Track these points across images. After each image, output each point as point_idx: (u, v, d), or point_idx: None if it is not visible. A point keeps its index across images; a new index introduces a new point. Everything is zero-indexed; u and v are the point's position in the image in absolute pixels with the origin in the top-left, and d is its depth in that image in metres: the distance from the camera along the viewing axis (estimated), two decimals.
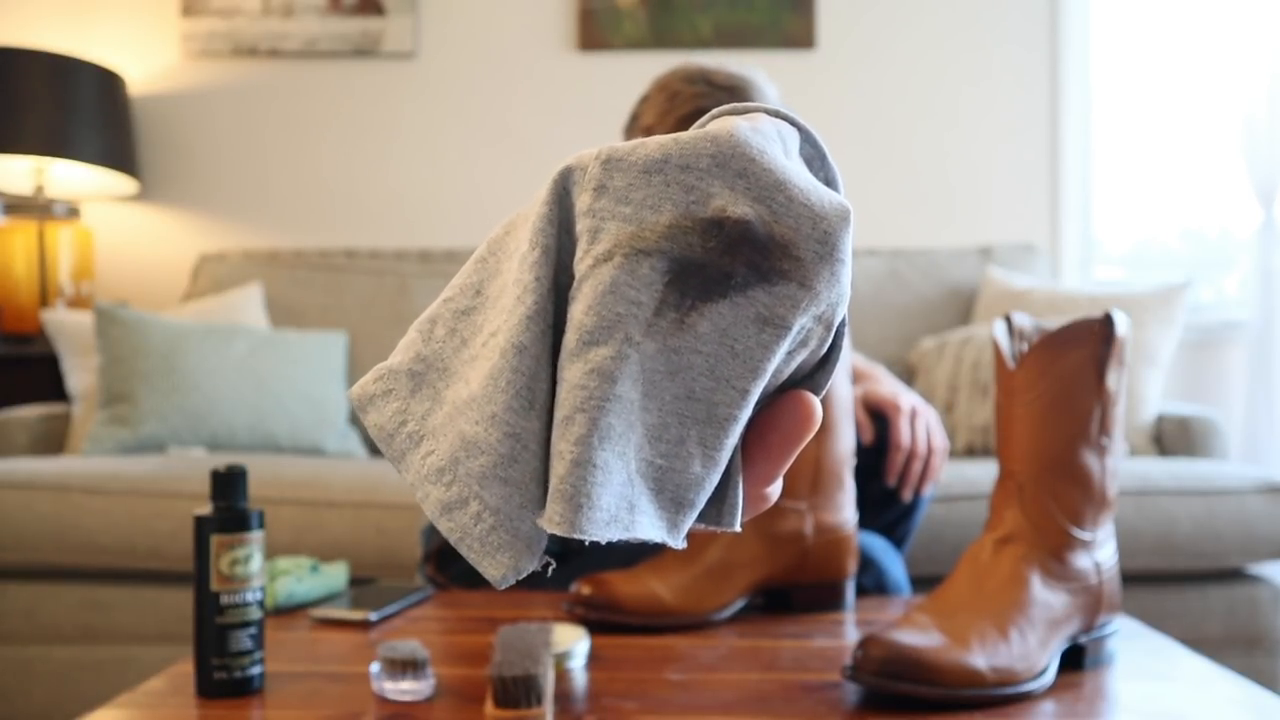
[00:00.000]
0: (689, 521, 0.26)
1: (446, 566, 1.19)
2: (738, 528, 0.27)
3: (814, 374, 0.28)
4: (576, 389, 0.24)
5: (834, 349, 0.28)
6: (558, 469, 0.24)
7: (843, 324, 0.28)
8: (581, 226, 0.25)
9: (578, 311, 0.24)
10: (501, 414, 0.25)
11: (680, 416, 0.25)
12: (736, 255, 0.25)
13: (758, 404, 0.27)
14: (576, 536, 0.23)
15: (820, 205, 0.25)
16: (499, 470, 0.25)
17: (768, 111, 0.27)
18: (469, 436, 0.26)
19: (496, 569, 0.25)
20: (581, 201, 0.25)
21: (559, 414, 0.24)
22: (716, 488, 0.27)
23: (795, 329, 0.25)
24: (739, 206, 0.24)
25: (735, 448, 0.26)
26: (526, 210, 0.27)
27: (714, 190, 0.24)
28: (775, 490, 0.28)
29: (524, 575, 0.26)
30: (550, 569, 0.28)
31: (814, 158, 0.28)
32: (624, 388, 0.24)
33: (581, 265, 0.25)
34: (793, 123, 0.27)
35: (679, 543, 0.26)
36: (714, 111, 0.28)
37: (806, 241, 0.25)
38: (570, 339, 0.24)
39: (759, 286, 0.25)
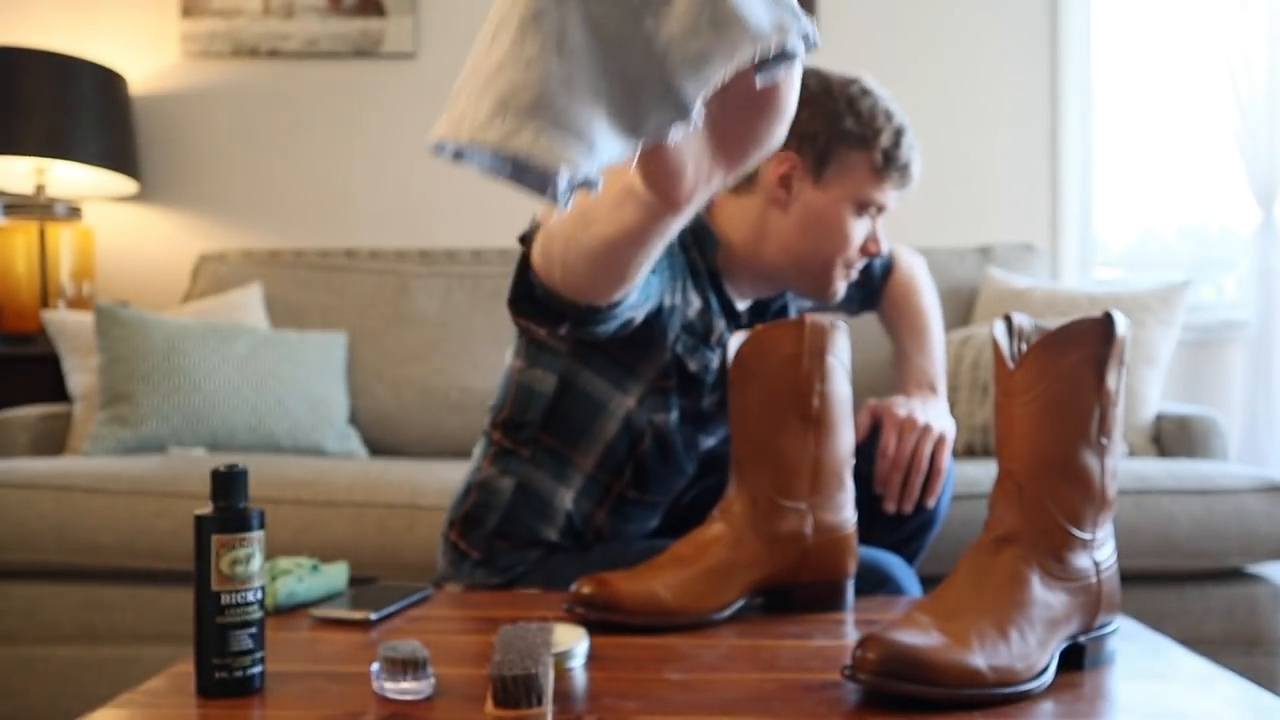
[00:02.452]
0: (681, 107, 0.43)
1: (469, 532, 1.17)
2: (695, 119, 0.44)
3: (772, 64, 0.43)
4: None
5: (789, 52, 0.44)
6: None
7: (809, 38, 0.45)
8: None
9: None
10: (536, 58, 0.40)
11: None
12: None
13: (724, 89, 0.45)
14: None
15: None
16: (545, 99, 0.40)
17: None
18: (515, 83, 0.41)
19: (556, 163, 0.39)
20: None
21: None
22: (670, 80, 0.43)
23: None
24: None
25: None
26: None
27: None
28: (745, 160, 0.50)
29: (580, 180, 0.41)
30: None
31: None
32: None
33: None
34: None
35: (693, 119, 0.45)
36: None
37: None
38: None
39: None
